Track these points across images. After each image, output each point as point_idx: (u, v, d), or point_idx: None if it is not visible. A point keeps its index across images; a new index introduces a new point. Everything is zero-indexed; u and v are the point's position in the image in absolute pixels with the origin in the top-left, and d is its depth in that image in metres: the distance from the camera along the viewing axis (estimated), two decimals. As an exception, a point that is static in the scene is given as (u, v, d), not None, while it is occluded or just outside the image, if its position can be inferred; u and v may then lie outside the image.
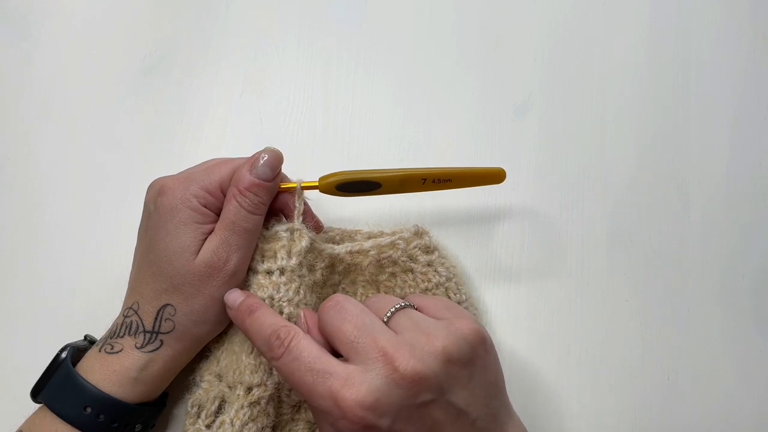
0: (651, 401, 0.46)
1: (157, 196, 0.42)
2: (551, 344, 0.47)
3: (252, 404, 0.40)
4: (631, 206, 0.50)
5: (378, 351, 0.35)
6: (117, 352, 0.41)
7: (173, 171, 0.44)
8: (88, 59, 0.54)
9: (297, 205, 0.43)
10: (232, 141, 0.52)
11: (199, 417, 0.41)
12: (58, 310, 0.48)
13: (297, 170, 0.45)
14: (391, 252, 0.45)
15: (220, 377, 0.42)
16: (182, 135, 0.52)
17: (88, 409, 0.39)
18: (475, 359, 0.37)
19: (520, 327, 0.47)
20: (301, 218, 0.43)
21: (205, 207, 0.42)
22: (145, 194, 0.44)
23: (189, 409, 0.42)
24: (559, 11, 0.54)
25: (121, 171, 0.51)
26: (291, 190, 0.44)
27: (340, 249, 0.44)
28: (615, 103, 0.52)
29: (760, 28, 0.53)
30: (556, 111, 0.52)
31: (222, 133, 0.52)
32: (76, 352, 0.43)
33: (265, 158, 0.43)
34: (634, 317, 0.48)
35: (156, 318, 0.42)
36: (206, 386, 0.42)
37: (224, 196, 0.43)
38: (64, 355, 0.42)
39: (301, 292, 0.42)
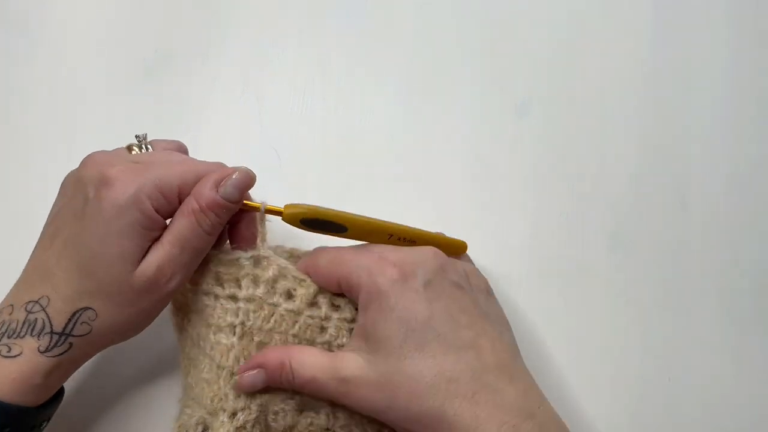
0: (651, 401, 0.46)
1: (102, 184, 0.37)
2: (551, 344, 0.47)
3: (238, 429, 0.39)
4: (631, 206, 0.50)
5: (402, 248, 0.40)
6: (15, 356, 0.35)
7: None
8: (89, 60, 0.54)
9: (260, 229, 0.40)
10: (232, 141, 0.52)
11: None
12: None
13: (297, 170, 0.45)
14: None
15: (198, 403, 0.40)
16: (182, 135, 0.52)
17: None
18: (489, 290, 0.42)
19: (519, 327, 0.47)
20: (265, 243, 0.40)
21: (157, 211, 0.37)
22: (80, 167, 0.39)
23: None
24: (561, 11, 0.54)
25: (121, 171, 0.51)
26: (253, 210, 0.40)
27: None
28: (616, 102, 0.52)
29: (760, 28, 0.53)
30: (557, 111, 0.52)
31: (222, 133, 0.52)
32: None
33: (235, 178, 0.38)
34: (634, 317, 0.48)
35: (70, 320, 0.36)
36: (189, 411, 0.40)
37: (179, 203, 0.38)
38: None
39: (272, 321, 0.40)
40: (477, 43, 0.53)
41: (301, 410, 0.41)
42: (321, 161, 0.51)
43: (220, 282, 0.40)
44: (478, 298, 0.39)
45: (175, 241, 0.38)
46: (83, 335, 0.37)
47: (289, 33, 0.54)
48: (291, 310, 0.41)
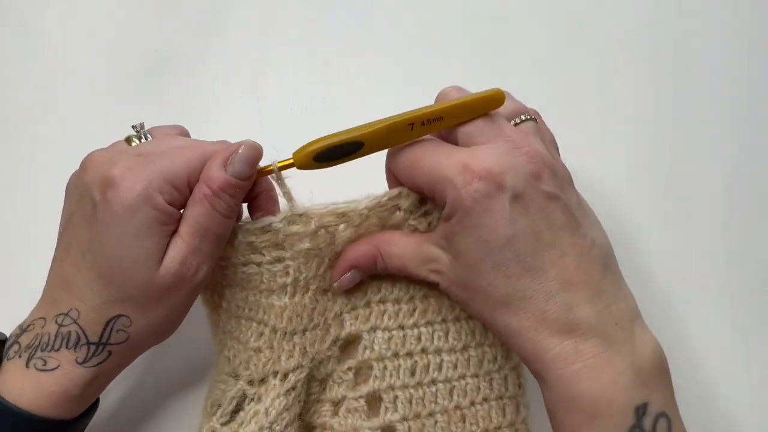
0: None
1: (107, 186, 0.35)
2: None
3: (288, 391, 0.38)
4: (631, 206, 0.50)
5: (500, 132, 0.36)
6: (52, 370, 0.35)
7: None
8: (89, 60, 0.54)
9: (280, 190, 0.38)
10: (232, 141, 0.52)
11: (213, 416, 0.39)
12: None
13: (297, 170, 0.44)
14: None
15: (237, 376, 0.39)
16: (182, 135, 0.52)
17: None
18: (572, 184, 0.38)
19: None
20: (294, 200, 0.39)
21: (170, 204, 0.35)
22: (81, 170, 0.37)
23: (207, 408, 0.40)
24: (560, 11, 0.54)
25: (121, 171, 0.51)
26: (266, 174, 0.38)
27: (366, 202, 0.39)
28: (615, 103, 0.52)
29: (761, 26, 0.53)
30: (555, 111, 0.52)
31: (222, 133, 0.52)
32: None
33: (242, 154, 0.36)
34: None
35: (105, 329, 0.35)
36: (223, 387, 0.40)
37: (191, 190, 0.36)
38: None
39: (328, 261, 0.39)
40: (477, 43, 0.53)
41: (339, 359, 0.41)
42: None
43: (257, 251, 0.39)
44: (571, 204, 0.36)
45: (194, 231, 0.36)
46: (121, 343, 0.36)
47: (289, 33, 0.54)
48: (346, 239, 0.40)
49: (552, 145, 0.40)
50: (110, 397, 0.47)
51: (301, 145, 0.37)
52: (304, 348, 0.39)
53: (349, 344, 0.41)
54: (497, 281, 0.35)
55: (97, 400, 0.40)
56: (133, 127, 0.40)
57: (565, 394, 0.34)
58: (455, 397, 0.40)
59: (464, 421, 0.40)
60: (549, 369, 0.34)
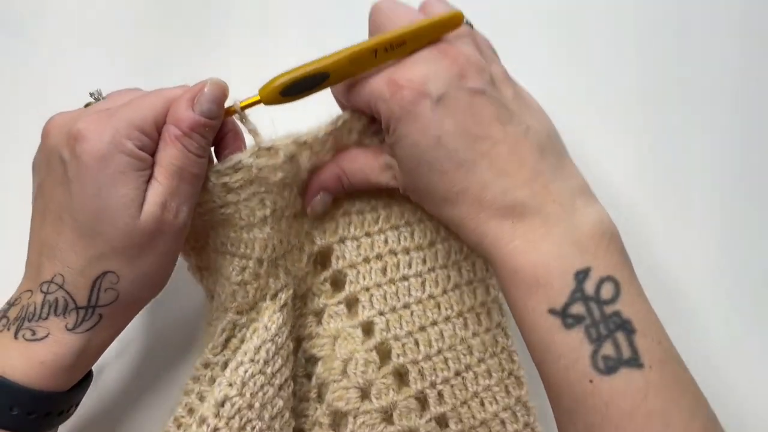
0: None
1: (74, 141, 0.35)
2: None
3: (281, 308, 0.40)
4: (630, 206, 0.50)
5: (434, 45, 0.38)
6: (42, 339, 0.35)
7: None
8: (87, 61, 0.54)
9: (246, 128, 0.39)
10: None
11: (206, 348, 0.40)
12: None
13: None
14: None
15: (225, 309, 0.41)
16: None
17: (15, 410, 0.34)
18: (508, 77, 0.41)
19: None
20: (259, 136, 0.40)
21: (142, 150, 0.36)
22: (43, 138, 0.38)
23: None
24: (560, 7, 0.55)
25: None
26: (230, 115, 0.39)
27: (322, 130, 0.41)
28: (614, 101, 0.53)
29: (761, 25, 0.54)
30: (554, 111, 0.52)
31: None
32: None
33: (208, 92, 0.37)
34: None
35: (92, 290, 0.35)
36: (216, 323, 0.41)
37: (160, 135, 0.37)
38: None
39: (293, 196, 0.42)
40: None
41: (315, 273, 0.44)
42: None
43: (232, 190, 0.39)
44: (503, 97, 0.39)
45: (169, 173, 0.37)
46: (111, 303, 0.36)
47: (292, 34, 0.54)
48: (310, 167, 0.42)
49: (487, 47, 0.42)
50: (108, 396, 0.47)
51: (266, 81, 0.38)
52: (287, 268, 0.41)
53: (323, 259, 0.43)
54: (435, 179, 0.37)
55: (90, 372, 0.39)
56: (90, 94, 0.41)
57: (508, 268, 0.36)
58: (427, 288, 0.43)
59: (439, 308, 0.43)
60: (491, 250, 0.37)
